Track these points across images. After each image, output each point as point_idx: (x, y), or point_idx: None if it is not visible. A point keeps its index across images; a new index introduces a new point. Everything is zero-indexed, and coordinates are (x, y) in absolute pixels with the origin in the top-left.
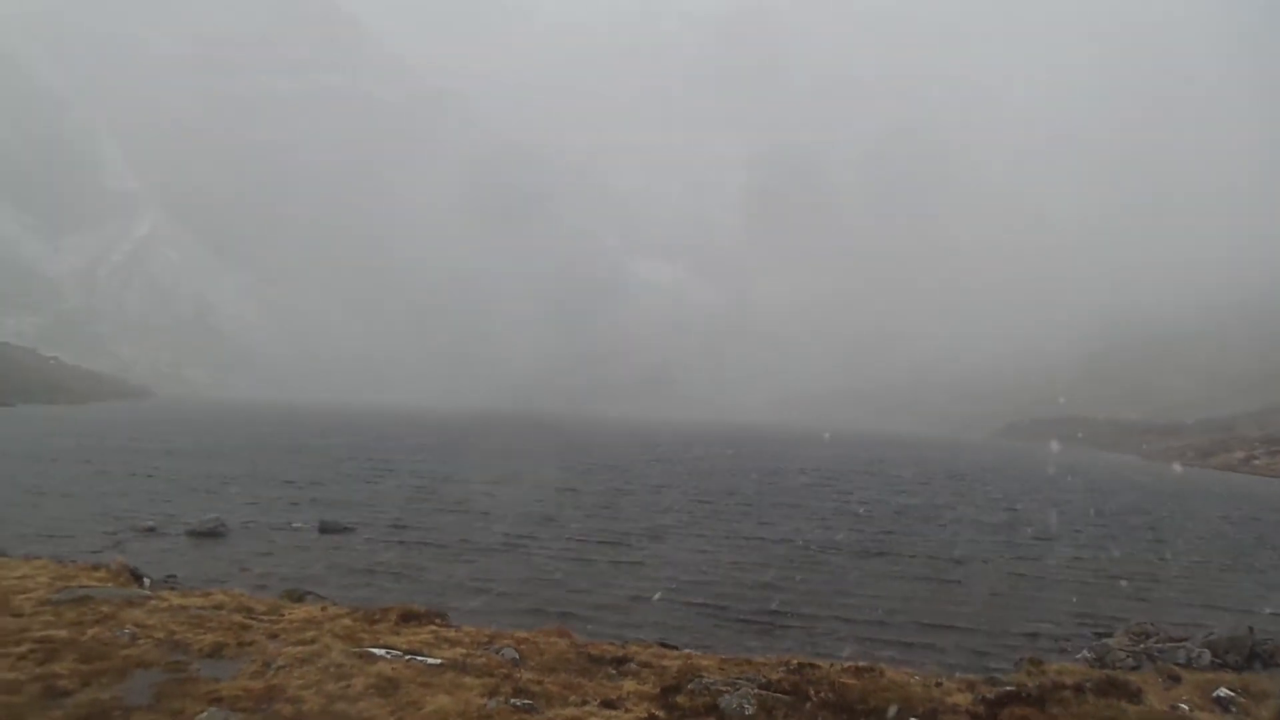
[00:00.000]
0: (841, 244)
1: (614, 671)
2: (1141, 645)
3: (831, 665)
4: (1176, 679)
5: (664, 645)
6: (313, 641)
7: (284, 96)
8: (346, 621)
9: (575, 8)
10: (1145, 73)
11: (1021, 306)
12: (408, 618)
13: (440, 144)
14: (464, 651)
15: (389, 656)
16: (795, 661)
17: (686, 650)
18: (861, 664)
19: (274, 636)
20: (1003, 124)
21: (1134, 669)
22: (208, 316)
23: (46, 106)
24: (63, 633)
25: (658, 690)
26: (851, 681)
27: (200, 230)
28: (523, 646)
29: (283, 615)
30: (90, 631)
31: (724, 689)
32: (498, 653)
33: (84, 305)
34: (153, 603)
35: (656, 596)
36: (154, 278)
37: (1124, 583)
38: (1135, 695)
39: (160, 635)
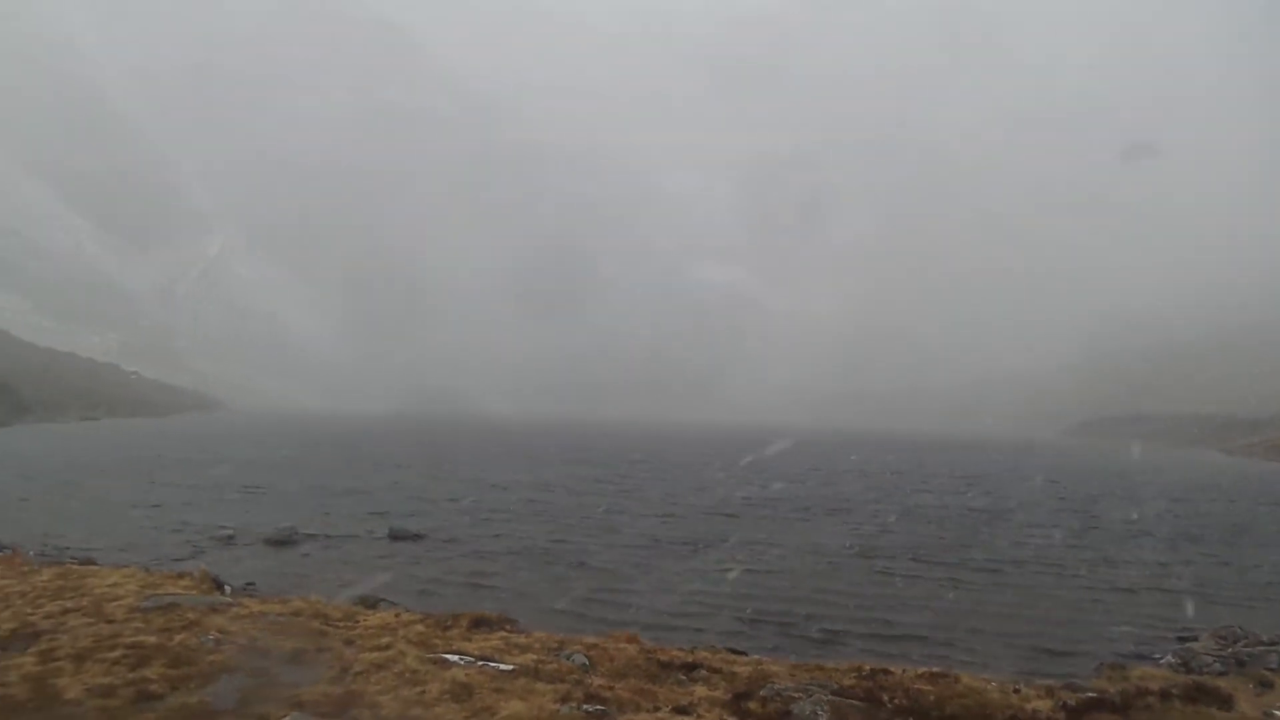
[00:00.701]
0: (899, 243)
1: (684, 677)
2: (1229, 649)
3: (904, 671)
4: (1269, 685)
5: (733, 651)
6: (388, 647)
7: (345, 114)
8: (419, 628)
9: (621, 16)
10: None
11: (1089, 302)
12: (479, 624)
13: (492, 152)
14: (535, 657)
15: (462, 662)
16: (867, 667)
17: (756, 656)
18: (936, 670)
19: (350, 643)
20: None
21: (1222, 674)
22: (278, 330)
23: (125, 133)
24: (152, 639)
25: (729, 696)
26: (926, 688)
27: (270, 247)
28: (592, 652)
29: (358, 622)
30: (177, 637)
31: (796, 695)
32: (568, 659)
33: (162, 321)
34: (234, 609)
35: (723, 601)
36: (227, 294)
37: (1208, 585)
38: (1226, 701)
39: (243, 641)
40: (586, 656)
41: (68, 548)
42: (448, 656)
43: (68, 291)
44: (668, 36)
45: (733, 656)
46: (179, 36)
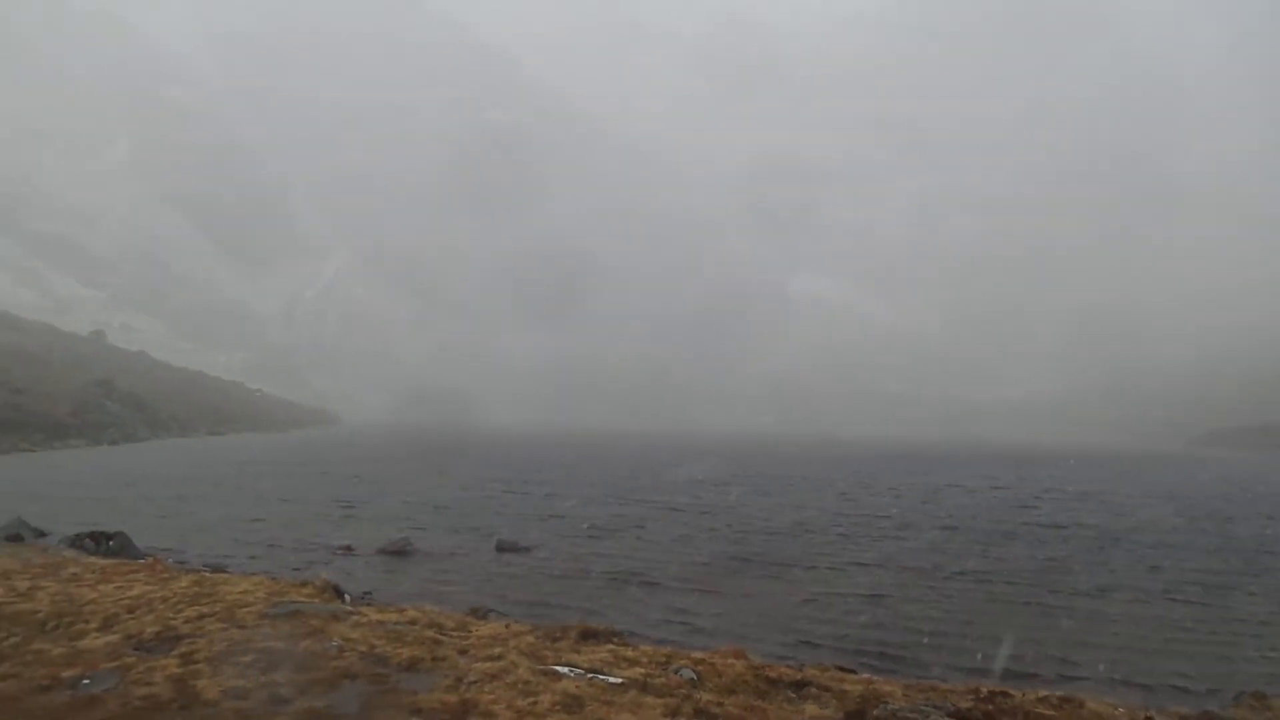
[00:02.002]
0: (1005, 249)
1: (793, 695)
2: None
3: (1025, 694)
4: None
5: (842, 669)
6: (500, 658)
7: (450, 135)
8: (529, 639)
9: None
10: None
11: (1207, 308)
12: (586, 636)
13: (593, 170)
14: (643, 671)
15: (572, 674)
16: (985, 689)
17: (866, 675)
18: (1058, 694)
19: (464, 652)
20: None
21: None
22: (389, 347)
23: (247, 162)
24: (280, 644)
25: (841, 715)
26: (1049, 712)
27: (381, 267)
28: (700, 667)
29: (470, 631)
30: (303, 644)
31: (911, 716)
32: (676, 673)
33: (283, 341)
34: (354, 618)
35: (828, 620)
36: (342, 313)
37: None
38: None
39: (363, 648)
40: (694, 671)
41: (200, 556)
42: (558, 668)
43: (199, 314)
44: (759, 45)
45: (842, 674)
46: (292, 70)
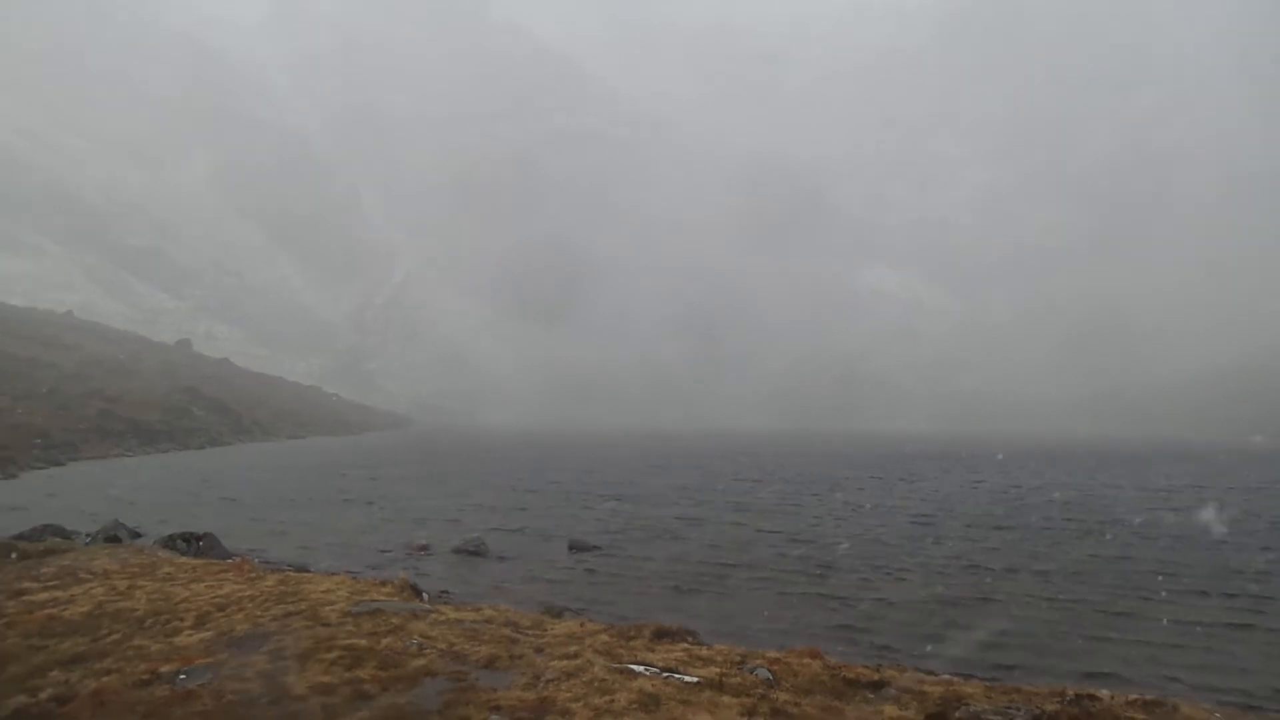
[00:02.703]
0: (1081, 240)
1: (871, 695)
2: None
3: (1114, 697)
4: None
5: (921, 670)
6: (576, 656)
7: (514, 141)
8: (604, 637)
9: (781, 24)
10: None
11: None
12: (660, 635)
13: (662, 172)
14: (718, 670)
15: (648, 673)
16: (1072, 692)
17: (947, 676)
18: (1150, 697)
19: (540, 650)
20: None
21: None
22: (458, 351)
23: (318, 173)
24: (363, 642)
25: (921, 717)
26: (1140, 716)
27: (448, 271)
28: (775, 667)
29: (545, 630)
30: (384, 641)
31: (994, 718)
32: (751, 672)
33: (355, 346)
34: (433, 616)
35: (907, 619)
36: (411, 318)
37: None
38: None
39: (442, 646)
40: (770, 671)
41: (283, 556)
42: (633, 667)
43: (276, 322)
44: (825, 41)
45: (921, 676)
46: (361, 82)
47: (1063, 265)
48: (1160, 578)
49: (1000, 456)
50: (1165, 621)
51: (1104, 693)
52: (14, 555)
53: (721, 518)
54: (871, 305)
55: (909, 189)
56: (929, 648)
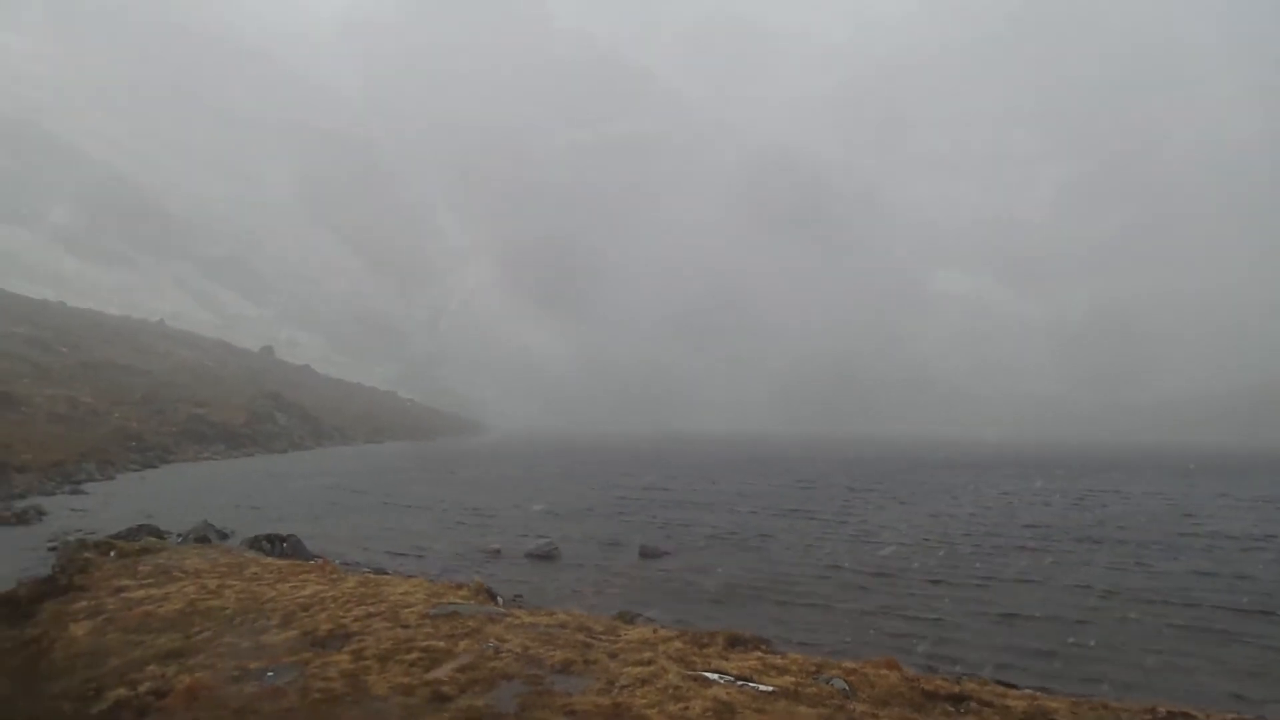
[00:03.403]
0: (1161, 241)
1: (951, 709)
2: None
3: (1209, 716)
4: None
5: (1003, 684)
6: (650, 662)
7: (584, 148)
8: (677, 644)
9: (844, 26)
10: None
11: None
12: (734, 643)
13: (722, 174)
14: (793, 680)
15: (722, 681)
16: (1163, 709)
17: (1030, 690)
18: (1246, 716)
19: (614, 656)
20: None
21: None
22: (529, 356)
23: (392, 184)
24: (441, 644)
25: None
26: None
27: (517, 278)
28: (851, 677)
29: (619, 636)
30: (462, 644)
31: None
32: (827, 682)
33: (429, 351)
34: (507, 619)
35: (988, 632)
36: (482, 324)
37: None
38: None
39: (517, 650)
40: (846, 681)
41: (362, 557)
42: (707, 674)
43: (353, 329)
44: (891, 38)
45: (1004, 689)
46: (432, 95)
47: (1142, 265)
48: (1268, 596)
49: (1070, 466)
50: (1273, 644)
51: (1199, 712)
52: (113, 554)
53: (788, 524)
54: (941, 307)
55: (980, 188)
56: (1010, 660)
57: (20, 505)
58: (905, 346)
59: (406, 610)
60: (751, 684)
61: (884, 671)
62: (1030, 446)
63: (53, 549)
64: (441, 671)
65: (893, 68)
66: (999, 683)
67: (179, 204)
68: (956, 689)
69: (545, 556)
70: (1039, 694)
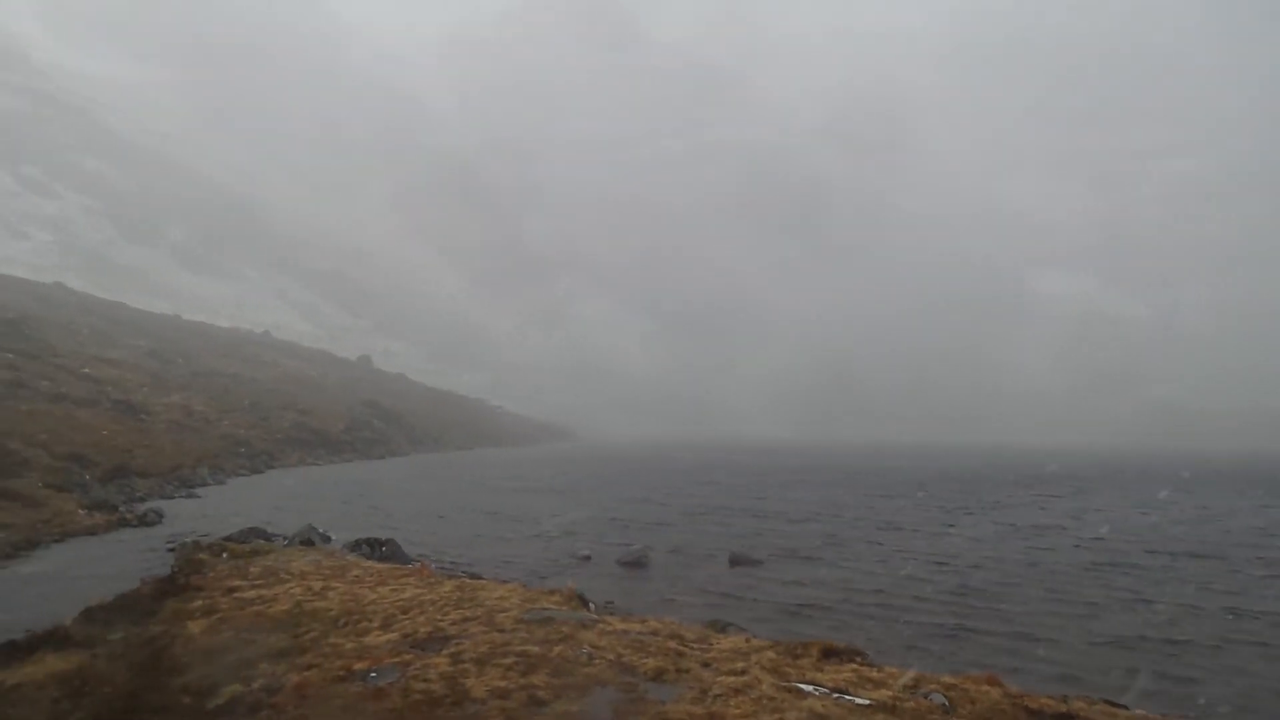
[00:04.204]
0: None
1: None
2: None
3: None
4: None
5: (1111, 704)
6: (743, 672)
7: (677, 157)
8: (771, 654)
9: (955, 25)
10: None
11: None
12: (829, 654)
13: (821, 176)
14: (890, 694)
15: (817, 693)
16: None
17: (1141, 711)
18: None
19: (706, 665)
20: None
21: None
22: (616, 363)
23: (486, 196)
24: (536, 649)
25: None
26: None
27: (608, 287)
28: (951, 693)
29: (711, 645)
30: (556, 649)
31: None
32: (925, 697)
33: (520, 360)
34: (600, 626)
35: (1096, 648)
36: (572, 333)
37: None
38: None
39: (610, 656)
40: (945, 696)
41: (457, 561)
42: (802, 686)
43: (446, 338)
44: (1002, 39)
45: (1113, 709)
46: (529, 110)
47: (1267, 263)
48: None
49: (1186, 474)
50: None
51: None
52: (225, 555)
53: (877, 536)
54: (1043, 310)
55: (1085, 185)
56: (1116, 681)
57: (142, 508)
58: (1004, 351)
59: (502, 615)
60: (847, 697)
61: (985, 687)
62: (1149, 455)
63: (171, 549)
64: (537, 676)
65: (999, 61)
66: (1108, 702)
67: (286, 221)
68: (1064, 708)
69: (635, 563)
70: (1149, 714)
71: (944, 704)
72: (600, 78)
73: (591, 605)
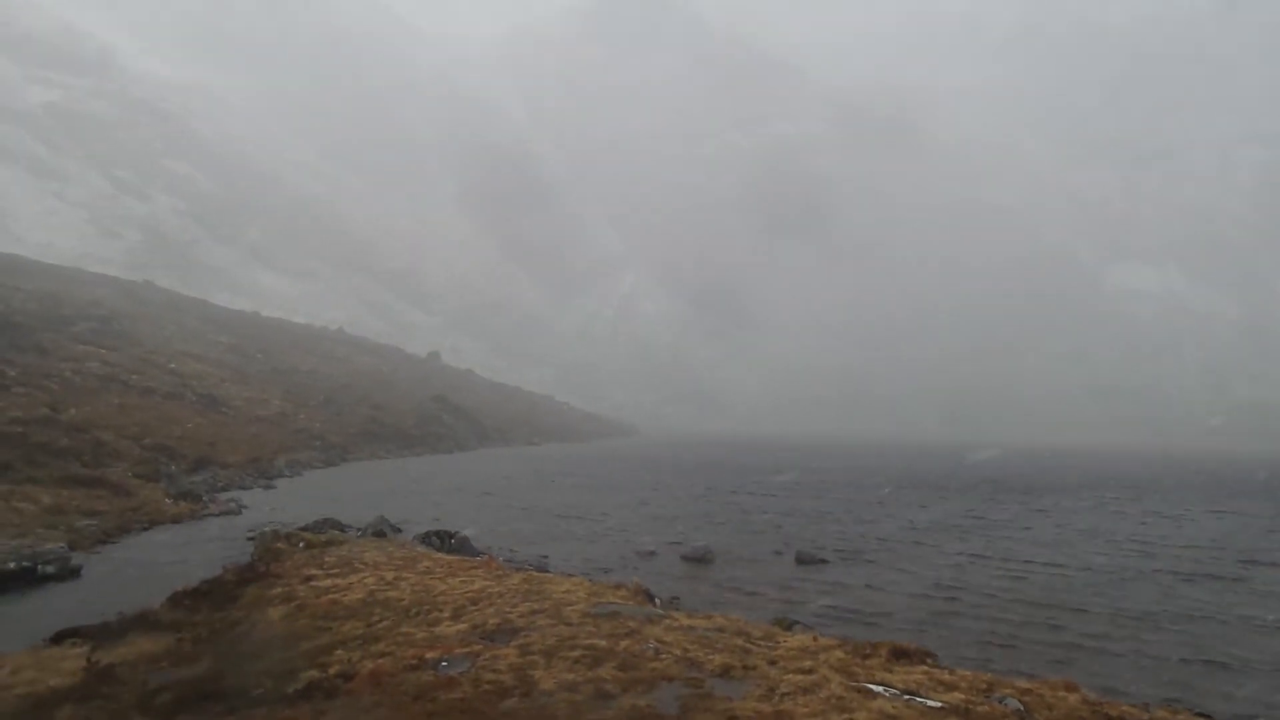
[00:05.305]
0: None
1: None
2: None
3: None
4: None
5: (1198, 714)
6: (811, 671)
7: (737, 151)
8: (839, 654)
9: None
10: None
11: None
12: (898, 655)
13: (888, 169)
14: (962, 697)
15: (887, 694)
16: None
17: None
18: None
19: (773, 663)
20: None
21: None
22: (682, 360)
23: (552, 194)
24: (603, 642)
25: None
26: None
27: (671, 283)
28: (1026, 698)
29: (778, 643)
30: (623, 643)
31: None
32: (1000, 702)
33: (584, 356)
34: (666, 622)
35: (1177, 655)
36: (635, 329)
37: None
38: None
39: (677, 652)
40: (1020, 702)
41: (524, 555)
42: (871, 686)
43: (511, 334)
44: (1072, 26)
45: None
46: (590, 106)
47: None
48: None
49: (1263, 476)
50: None
51: None
52: (301, 545)
53: (944, 539)
54: (1125, 306)
55: (1168, 174)
56: (1199, 694)
57: (224, 497)
58: (1087, 349)
59: (569, 608)
60: (919, 699)
61: (1063, 694)
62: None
63: (251, 539)
64: (604, 670)
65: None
66: (1194, 712)
67: (358, 220)
68: (1147, 717)
69: (700, 559)
70: None
71: (1019, 709)
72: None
73: (657, 600)
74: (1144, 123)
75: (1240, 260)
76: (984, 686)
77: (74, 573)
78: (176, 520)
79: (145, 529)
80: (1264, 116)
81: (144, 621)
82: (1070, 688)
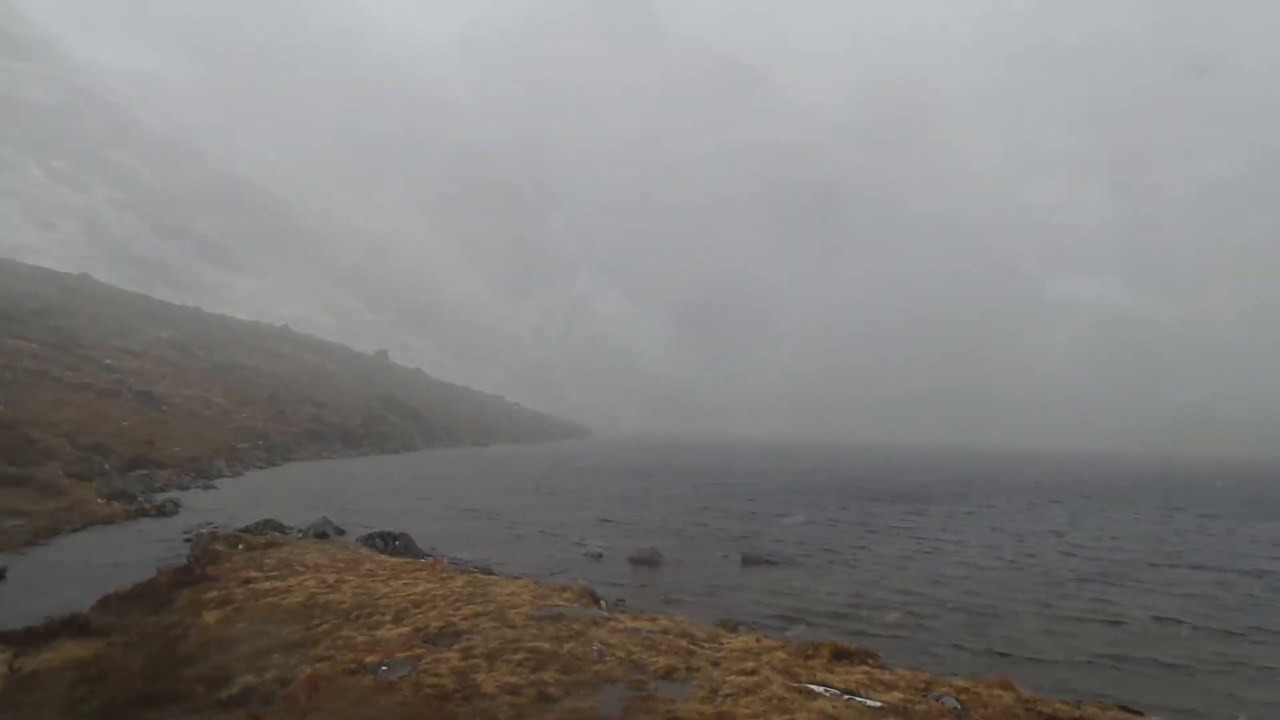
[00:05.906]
0: None
1: None
2: None
3: None
4: None
5: (1126, 709)
6: (753, 672)
7: (701, 156)
8: (781, 655)
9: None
10: None
11: None
12: (840, 655)
13: (841, 176)
14: (902, 696)
15: (828, 694)
16: None
17: (1156, 718)
18: None
19: (716, 664)
20: None
21: None
22: (635, 361)
23: (506, 194)
24: (546, 645)
25: None
26: None
27: (624, 286)
28: (963, 696)
29: (721, 644)
30: (567, 646)
31: None
32: (937, 700)
33: (537, 357)
34: (611, 624)
35: (1110, 653)
36: (590, 330)
37: None
38: None
39: (621, 654)
40: (958, 700)
41: (468, 557)
42: (812, 687)
43: (465, 334)
44: (1023, 39)
45: (1127, 715)
46: (548, 107)
47: None
48: None
49: (1219, 484)
50: None
51: None
52: (240, 547)
53: (894, 542)
54: (1064, 314)
55: (1107, 188)
56: (1129, 689)
57: (160, 498)
58: (1026, 356)
59: (513, 611)
60: (858, 698)
61: (998, 691)
62: (1169, 462)
63: (187, 540)
64: (547, 673)
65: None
66: (1123, 708)
67: (309, 216)
68: (1077, 714)
69: (647, 561)
70: None
71: (956, 707)
72: (622, 75)
73: (602, 603)
74: (1086, 136)
75: (1181, 270)
76: (922, 686)
77: None
78: (110, 521)
79: (77, 530)
80: (1201, 131)
81: (72, 626)
82: (1005, 686)
